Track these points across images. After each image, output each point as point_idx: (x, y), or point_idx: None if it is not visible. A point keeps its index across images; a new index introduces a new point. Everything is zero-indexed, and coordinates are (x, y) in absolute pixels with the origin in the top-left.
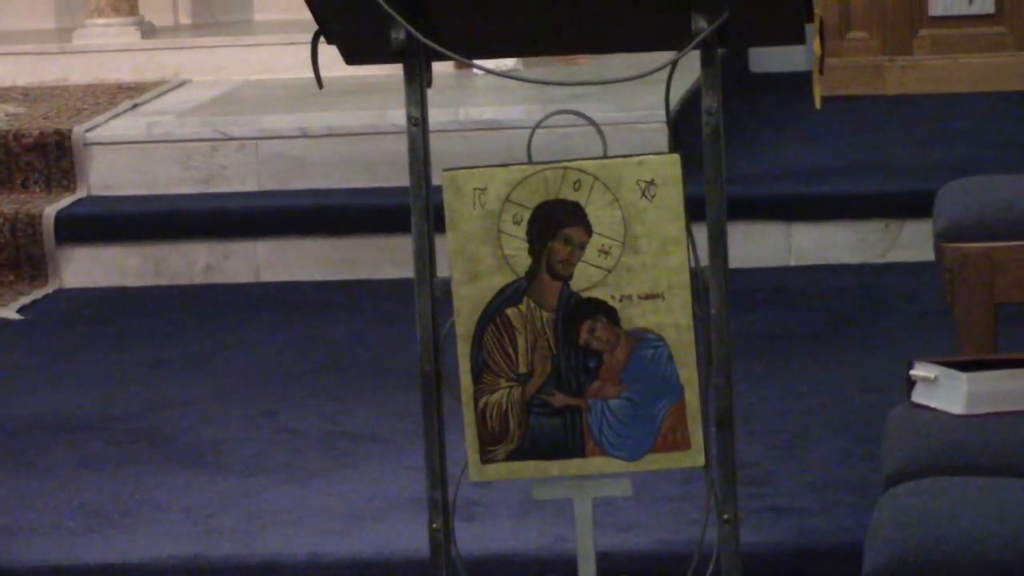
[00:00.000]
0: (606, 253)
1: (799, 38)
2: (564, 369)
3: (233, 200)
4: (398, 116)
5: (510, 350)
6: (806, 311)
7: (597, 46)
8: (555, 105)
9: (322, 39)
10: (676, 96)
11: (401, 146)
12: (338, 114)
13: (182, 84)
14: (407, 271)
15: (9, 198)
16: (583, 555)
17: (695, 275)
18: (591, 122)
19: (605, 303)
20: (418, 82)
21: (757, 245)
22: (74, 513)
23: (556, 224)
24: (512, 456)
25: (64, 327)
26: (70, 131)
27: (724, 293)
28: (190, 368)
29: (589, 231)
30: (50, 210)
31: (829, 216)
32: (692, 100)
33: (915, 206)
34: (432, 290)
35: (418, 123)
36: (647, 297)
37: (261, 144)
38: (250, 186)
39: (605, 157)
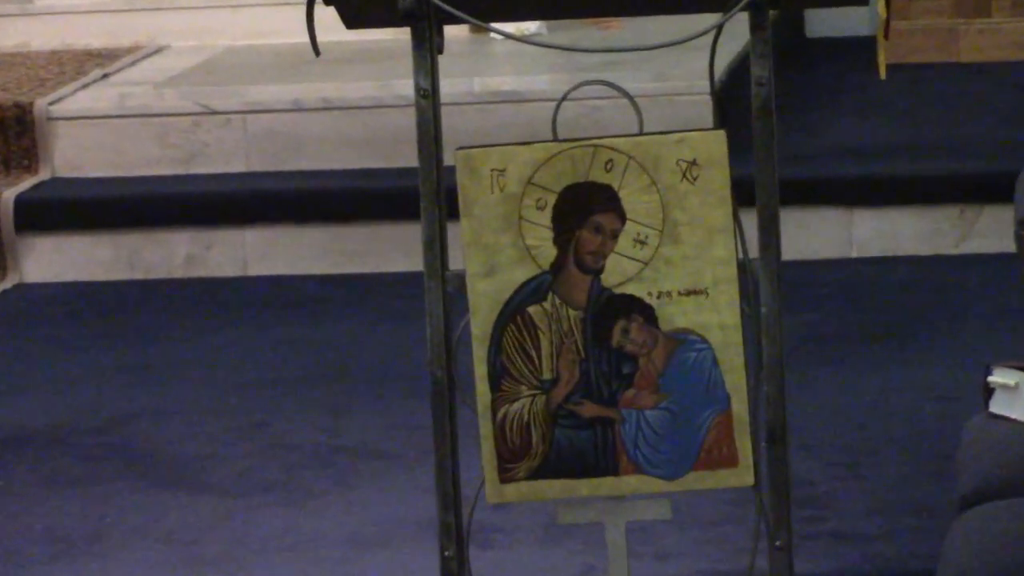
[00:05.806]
0: (642, 243)
1: None
2: (594, 375)
3: (217, 183)
4: (405, 87)
5: (533, 353)
6: (869, 309)
7: (632, 8)
8: (584, 75)
9: (319, 0)
10: (722, 65)
11: (409, 121)
12: (337, 85)
13: (159, 50)
14: (416, 263)
15: None
16: None
17: (743, 268)
18: (625, 94)
19: (641, 300)
20: (428, 48)
21: (814, 234)
22: (37, 539)
23: (585, 210)
24: (535, 474)
25: (25, 327)
26: (31, 104)
27: (776, 288)
28: (169, 374)
29: (623, 218)
30: (9, 194)
31: (895, 201)
32: (740, 69)
33: (993, 189)
34: (444, 285)
35: (428, 95)
36: (688, 293)
37: (249, 119)
38: (237, 167)
39: (641, 134)
